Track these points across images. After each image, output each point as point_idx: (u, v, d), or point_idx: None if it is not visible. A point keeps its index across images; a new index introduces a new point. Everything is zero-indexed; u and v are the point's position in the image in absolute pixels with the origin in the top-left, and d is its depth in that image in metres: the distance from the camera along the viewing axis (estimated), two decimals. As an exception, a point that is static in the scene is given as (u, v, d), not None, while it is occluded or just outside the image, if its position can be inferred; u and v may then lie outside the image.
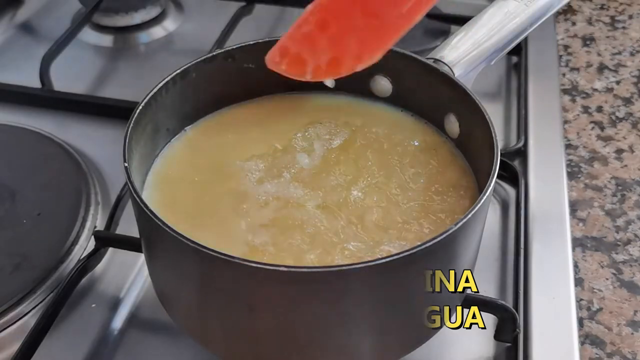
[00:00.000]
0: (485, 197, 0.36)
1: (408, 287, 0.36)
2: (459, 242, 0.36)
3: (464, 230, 0.35)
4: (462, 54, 0.44)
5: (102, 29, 0.77)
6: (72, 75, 0.69)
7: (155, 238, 0.37)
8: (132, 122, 0.40)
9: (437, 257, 0.35)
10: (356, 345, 0.38)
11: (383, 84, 0.47)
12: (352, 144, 0.46)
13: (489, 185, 0.36)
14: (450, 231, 0.34)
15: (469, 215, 0.35)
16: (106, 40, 0.77)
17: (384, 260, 0.32)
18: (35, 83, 0.65)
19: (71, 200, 0.54)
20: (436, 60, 0.44)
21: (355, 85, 0.48)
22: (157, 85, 0.42)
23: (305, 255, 0.38)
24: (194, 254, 0.33)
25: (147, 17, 0.78)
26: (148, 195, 0.42)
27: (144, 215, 0.35)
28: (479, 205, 0.35)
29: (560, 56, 0.70)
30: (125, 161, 0.37)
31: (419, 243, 0.33)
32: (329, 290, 0.34)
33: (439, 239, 0.34)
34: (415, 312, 0.38)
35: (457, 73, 0.44)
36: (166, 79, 0.43)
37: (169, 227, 0.34)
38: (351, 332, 0.36)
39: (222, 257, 0.32)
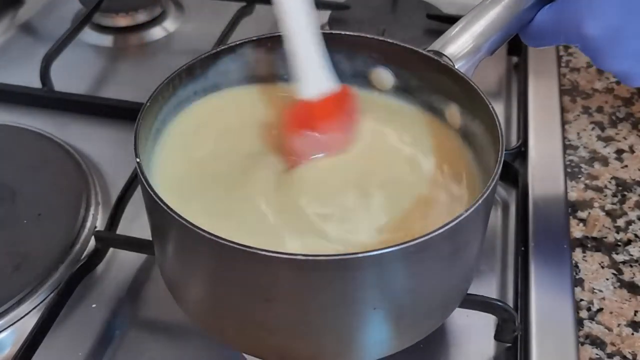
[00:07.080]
0: (493, 183, 0.35)
1: (417, 276, 0.36)
2: (466, 230, 0.36)
3: (470, 218, 0.35)
4: (461, 45, 0.44)
5: (102, 29, 0.77)
6: (72, 75, 0.69)
7: (169, 231, 0.37)
8: (141, 117, 0.40)
9: (443, 246, 0.35)
10: (373, 333, 0.38)
11: (385, 77, 0.47)
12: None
13: (497, 169, 0.36)
14: (462, 217, 0.34)
15: (480, 201, 0.34)
16: (106, 40, 0.77)
17: (395, 248, 0.32)
18: (36, 83, 0.66)
19: (71, 200, 0.54)
20: (437, 52, 0.44)
21: (357, 78, 0.48)
22: (163, 82, 0.42)
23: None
24: (210, 245, 0.33)
25: (148, 17, 0.78)
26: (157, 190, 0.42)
27: (159, 210, 0.35)
28: (488, 192, 0.35)
29: (561, 56, 0.70)
30: (137, 156, 0.37)
31: (424, 233, 0.33)
32: (345, 278, 0.33)
33: (451, 224, 0.33)
34: (427, 300, 0.38)
35: (458, 65, 0.44)
36: (171, 76, 0.43)
37: (184, 219, 0.34)
38: (368, 320, 0.36)
39: (239, 247, 0.32)
